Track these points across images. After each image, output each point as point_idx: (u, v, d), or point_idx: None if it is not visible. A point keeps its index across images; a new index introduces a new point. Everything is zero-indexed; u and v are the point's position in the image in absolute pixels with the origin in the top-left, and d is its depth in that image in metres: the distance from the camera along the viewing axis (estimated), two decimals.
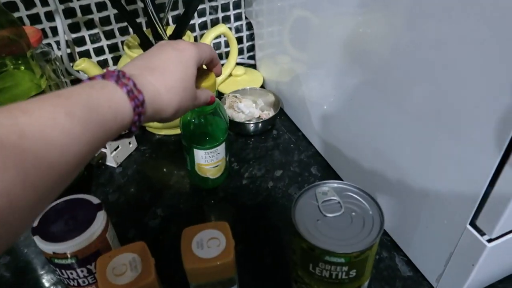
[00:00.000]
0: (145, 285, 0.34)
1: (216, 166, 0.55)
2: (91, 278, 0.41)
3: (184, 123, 0.52)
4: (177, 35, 0.66)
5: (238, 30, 0.82)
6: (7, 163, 0.20)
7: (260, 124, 0.68)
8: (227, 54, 0.76)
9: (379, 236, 0.37)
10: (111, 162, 0.62)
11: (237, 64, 0.79)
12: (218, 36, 0.80)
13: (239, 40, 0.84)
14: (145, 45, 0.64)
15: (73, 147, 0.24)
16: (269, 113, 0.71)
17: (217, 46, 0.83)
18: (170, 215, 0.55)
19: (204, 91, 0.42)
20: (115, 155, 0.62)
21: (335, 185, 0.41)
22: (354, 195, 0.40)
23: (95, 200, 0.41)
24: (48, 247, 0.37)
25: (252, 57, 0.86)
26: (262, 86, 0.78)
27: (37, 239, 0.37)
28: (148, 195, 0.58)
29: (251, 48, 0.86)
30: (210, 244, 0.36)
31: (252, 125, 0.67)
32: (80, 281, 0.41)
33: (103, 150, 0.61)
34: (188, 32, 0.67)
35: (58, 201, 0.40)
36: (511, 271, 0.45)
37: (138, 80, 0.31)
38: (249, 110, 0.70)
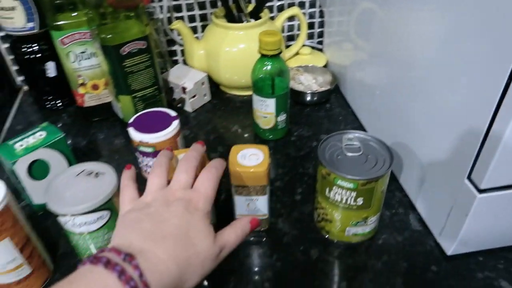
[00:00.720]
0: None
1: (265, 117, 0.65)
2: None
3: (255, 75, 0.64)
4: (256, 11, 0.78)
5: (311, 16, 0.92)
6: None
7: (316, 95, 0.77)
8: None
9: (387, 174, 0.45)
10: (188, 107, 0.76)
11: (306, 46, 0.89)
12: (293, 19, 0.91)
13: (311, 26, 0.94)
14: (229, 16, 0.77)
15: None
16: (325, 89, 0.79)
17: (290, 28, 0.93)
18: (227, 152, 0.67)
19: (224, 232, 0.37)
20: (192, 102, 0.76)
21: (359, 135, 0.50)
22: (374, 145, 0.49)
23: (172, 113, 0.54)
24: (138, 136, 0.51)
25: (321, 43, 0.96)
26: (324, 67, 0.87)
27: (131, 130, 0.51)
28: (212, 136, 0.71)
29: (321, 34, 0.95)
30: (251, 158, 0.47)
31: (309, 95, 0.77)
32: None
33: (182, 95, 0.75)
34: (266, 10, 0.78)
35: (147, 110, 0.54)
36: (509, 241, 0.50)
37: (145, 266, 0.29)
38: (308, 83, 0.80)
